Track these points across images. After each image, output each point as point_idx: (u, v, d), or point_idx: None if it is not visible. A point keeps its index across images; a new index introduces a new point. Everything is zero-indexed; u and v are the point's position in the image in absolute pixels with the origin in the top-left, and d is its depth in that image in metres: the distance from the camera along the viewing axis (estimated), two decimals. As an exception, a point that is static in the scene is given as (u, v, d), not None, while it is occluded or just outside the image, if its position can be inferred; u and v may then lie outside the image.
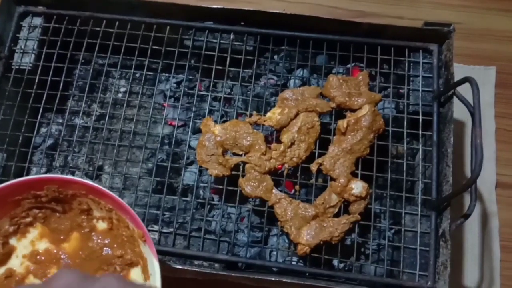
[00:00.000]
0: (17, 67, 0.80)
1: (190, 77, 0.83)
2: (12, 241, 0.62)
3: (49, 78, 0.79)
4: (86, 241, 0.62)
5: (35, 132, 0.79)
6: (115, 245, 0.62)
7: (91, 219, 0.63)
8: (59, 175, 0.61)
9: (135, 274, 0.60)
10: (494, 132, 0.91)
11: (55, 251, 0.62)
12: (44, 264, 0.61)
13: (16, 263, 0.61)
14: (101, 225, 0.63)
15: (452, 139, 0.71)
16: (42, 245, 0.62)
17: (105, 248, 0.62)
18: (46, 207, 0.62)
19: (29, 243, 0.62)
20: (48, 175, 0.61)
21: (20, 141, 0.76)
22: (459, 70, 0.82)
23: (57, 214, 0.63)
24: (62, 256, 0.61)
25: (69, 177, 0.61)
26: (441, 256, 0.68)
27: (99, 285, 0.37)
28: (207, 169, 0.71)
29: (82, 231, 0.63)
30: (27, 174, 0.77)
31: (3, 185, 0.58)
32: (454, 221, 0.68)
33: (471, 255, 0.83)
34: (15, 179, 0.58)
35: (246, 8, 0.79)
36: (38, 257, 0.61)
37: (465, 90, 0.67)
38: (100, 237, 0.62)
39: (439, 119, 0.75)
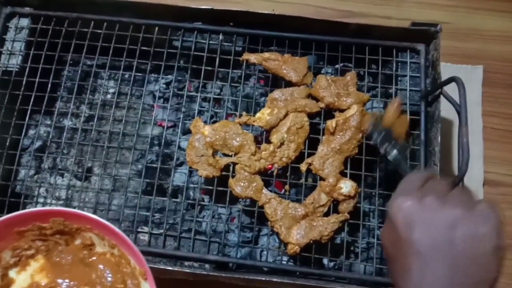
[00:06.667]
0: (4, 68, 0.79)
1: (180, 77, 0.82)
2: (12, 274, 0.61)
3: (37, 80, 0.78)
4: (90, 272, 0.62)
5: (23, 134, 0.78)
6: (113, 279, 0.61)
7: (92, 255, 0.62)
8: (66, 209, 0.60)
9: None
10: (482, 130, 0.92)
11: (52, 284, 0.61)
12: None
13: None
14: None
15: (439, 138, 0.72)
16: (41, 279, 0.61)
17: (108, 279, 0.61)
18: (50, 240, 0.62)
19: (28, 276, 0.61)
20: (55, 207, 0.61)
21: (7, 144, 0.76)
22: (446, 69, 0.83)
23: (60, 247, 0.62)
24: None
25: (76, 211, 0.60)
26: (429, 253, 0.69)
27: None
28: (197, 170, 0.72)
29: (86, 261, 0.62)
30: (15, 177, 0.77)
31: (8, 216, 0.57)
32: (442, 219, 0.68)
33: (459, 252, 0.84)
34: (21, 211, 0.58)
35: (235, 9, 0.79)
36: None
37: (452, 89, 0.68)
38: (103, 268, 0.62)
39: (427, 118, 0.75)
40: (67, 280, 0.61)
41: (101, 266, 0.61)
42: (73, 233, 0.62)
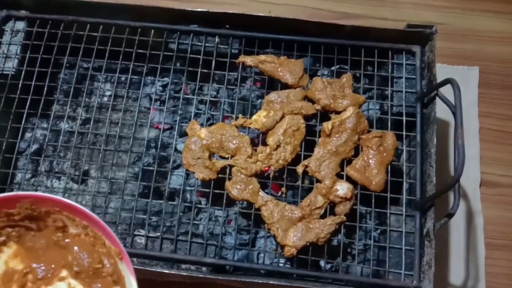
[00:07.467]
0: (0, 72, 0.79)
1: (176, 80, 0.82)
2: None
3: (33, 83, 0.78)
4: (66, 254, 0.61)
5: (19, 137, 0.78)
6: (90, 260, 0.61)
7: (67, 237, 0.61)
8: (30, 192, 0.59)
9: None
10: (478, 131, 0.92)
11: (28, 269, 0.60)
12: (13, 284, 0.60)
13: None
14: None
15: (435, 139, 0.72)
16: (16, 265, 0.61)
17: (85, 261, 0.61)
18: (20, 225, 0.61)
19: (3, 263, 0.60)
20: (18, 192, 0.59)
21: (4, 147, 0.75)
22: (442, 70, 0.83)
23: (32, 232, 0.62)
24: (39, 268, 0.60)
25: (40, 193, 0.59)
26: (426, 255, 0.69)
27: None
28: (193, 173, 0.72)
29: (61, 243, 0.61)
30: (12, 180, 0.77)
31: None
32: (439, 221, 0.68)
33: (456, 253, 0.84)
34: None
35: (231, 11, 0.79)
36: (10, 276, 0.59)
37: (448, 90, 0.68)
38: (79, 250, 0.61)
39: (423, 120, 0.76)
40: (43, 264, 0.60)
41: (76, 248, 0.61)
42: (43, 217, 0.61)
